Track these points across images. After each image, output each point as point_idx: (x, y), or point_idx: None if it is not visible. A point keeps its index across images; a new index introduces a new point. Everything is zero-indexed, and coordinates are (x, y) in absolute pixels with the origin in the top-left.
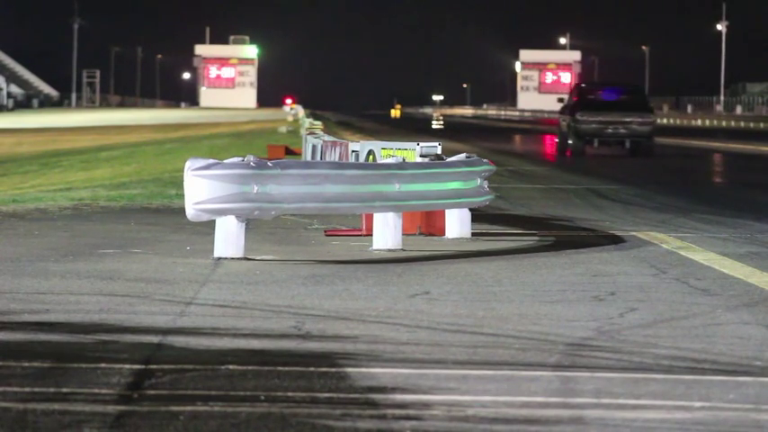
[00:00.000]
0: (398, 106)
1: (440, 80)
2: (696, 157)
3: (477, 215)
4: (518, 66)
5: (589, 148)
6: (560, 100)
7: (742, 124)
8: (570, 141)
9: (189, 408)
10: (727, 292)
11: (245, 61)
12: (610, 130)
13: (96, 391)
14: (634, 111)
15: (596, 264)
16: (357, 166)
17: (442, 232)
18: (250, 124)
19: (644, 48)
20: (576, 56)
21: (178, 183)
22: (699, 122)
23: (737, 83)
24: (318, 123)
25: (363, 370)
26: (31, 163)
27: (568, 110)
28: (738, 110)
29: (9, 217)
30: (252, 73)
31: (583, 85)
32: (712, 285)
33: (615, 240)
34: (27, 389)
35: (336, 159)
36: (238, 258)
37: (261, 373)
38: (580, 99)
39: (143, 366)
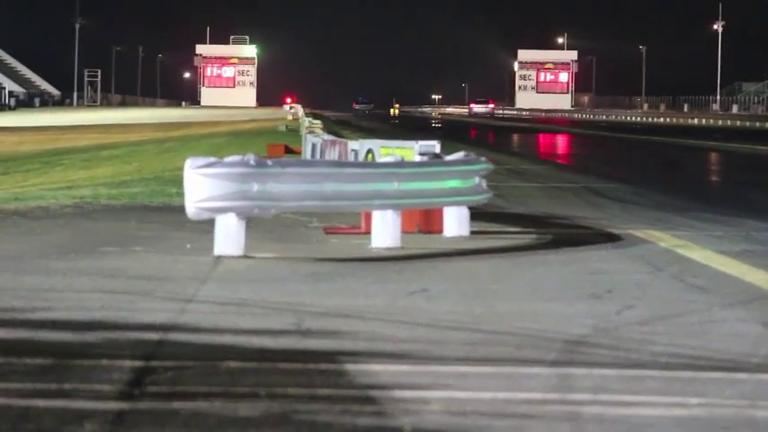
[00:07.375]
0: (397, 105)
1: (438, 79)
2: (692, 156)
3: (476, 213)
4: (516, 65)
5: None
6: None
7: (738, 123)
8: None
9: (189, 404)
10: (723, 290)
11: (245, 61)
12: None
13: (98, 387)
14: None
15: (594, 261)
16: (356, 164)
17: (441, 230)
18: (250, 123)
19: (641, 47)
20: (573, 55)
21: (179, 181)
22: (695, 121)
23: (733, 82)
24: (318, 122)
25: (363, 367)
26: (33, 161)
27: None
28: (734, 109)
29: (11, 215)
30: (252, 72)
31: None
32: (708, 283)
33: (612, 238)
34: (29, 385)
35: (336, 158)
36: (238, 256)
37: (261, 370)
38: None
39: (144, 363)
